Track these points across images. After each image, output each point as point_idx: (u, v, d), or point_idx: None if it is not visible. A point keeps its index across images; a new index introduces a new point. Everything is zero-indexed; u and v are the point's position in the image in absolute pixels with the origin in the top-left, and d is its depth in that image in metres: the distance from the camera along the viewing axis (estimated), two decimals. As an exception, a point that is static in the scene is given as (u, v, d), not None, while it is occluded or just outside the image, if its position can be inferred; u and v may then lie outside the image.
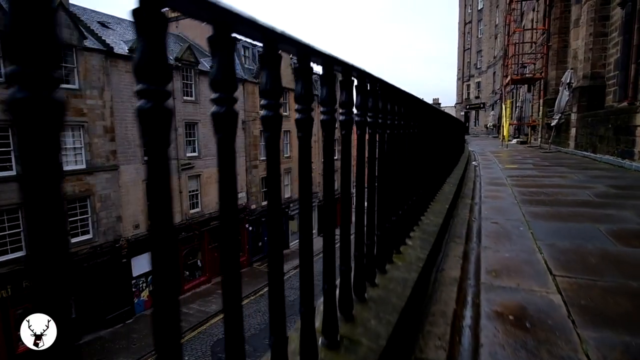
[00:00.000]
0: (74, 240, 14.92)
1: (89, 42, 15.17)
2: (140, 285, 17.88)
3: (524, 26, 22.44)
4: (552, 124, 12.56)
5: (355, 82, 1.30)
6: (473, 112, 48.70)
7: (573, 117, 11.30)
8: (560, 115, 11.87)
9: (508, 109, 16.77)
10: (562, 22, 14.77)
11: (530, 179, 6.46)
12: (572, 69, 12.15)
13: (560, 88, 12.12)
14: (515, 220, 3.66)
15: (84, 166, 15.06)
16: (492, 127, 38.47)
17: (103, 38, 16.07)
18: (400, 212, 2.03)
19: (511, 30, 20.73)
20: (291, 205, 29.31)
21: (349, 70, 1.21)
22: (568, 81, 11.38)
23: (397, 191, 1.98)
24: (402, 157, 2.07)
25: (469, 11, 47.78)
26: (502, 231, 3.31)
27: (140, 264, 17.70)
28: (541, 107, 16.19)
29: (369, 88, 1.42)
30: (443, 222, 2.77)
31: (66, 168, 14.47)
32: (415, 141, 2.46)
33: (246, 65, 24.76)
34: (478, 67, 46.66)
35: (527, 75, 18.76)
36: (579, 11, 13.44)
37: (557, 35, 14.91)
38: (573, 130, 11.28)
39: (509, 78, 19.19)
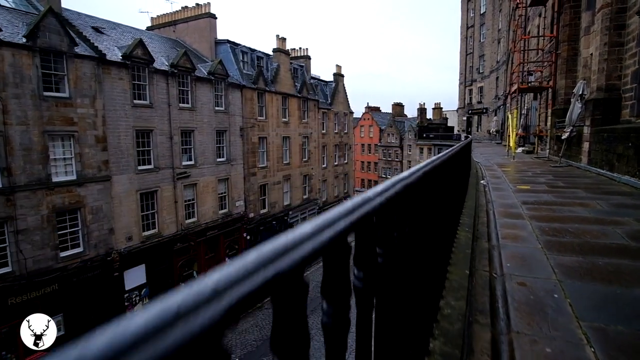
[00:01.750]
0: (63, 254, 14.36)
1: (81, 49, 14.64)
2: (134, 299, 17.26)
3: (529, 32, 21.87)
4: (562, 137, 11.96)
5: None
6: (475, 117, 48.09)
7: (586, 130, 10.70)
8: (571, 128, 11.27)
9: (514, 120, 16.16)
10: (571, 30, 14.18)
11: (548, 207, 5.87)
12: (584, 79, 11.56)
13: (571, 99, 11.52)
14: (546, 280, 3.08)
15: (74, 177, 14.50)
16: (495, 133, 37.77)
17: (96, 44, 15.54)
18: (418, 323, 1.46)
19: (517, 37, 20.16)
20: (290, 212, 28.90)
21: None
22: (580, 93, 10.77)
23: (411, 299, 1.41)
24: (416, 256, 1.50)
25: (472, 15, 47.26)
26: (533, 301, 2.72)
27: (133, 277, 17.13)
28: (549, 117, 15.58)
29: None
30: (466, 303, 2.19)
31: (55, 179, 13.93)
32: (433, 210, 1.89)
33: (244, 71, 24.22)
34: (480, 71, 46.08)
35: (533, 83, 18.17)
36: (589, 18, 12.85)
37: (567, 43, 14.30)
38: (586, 145, 10.68)
39: (515, 87, 18.60)
